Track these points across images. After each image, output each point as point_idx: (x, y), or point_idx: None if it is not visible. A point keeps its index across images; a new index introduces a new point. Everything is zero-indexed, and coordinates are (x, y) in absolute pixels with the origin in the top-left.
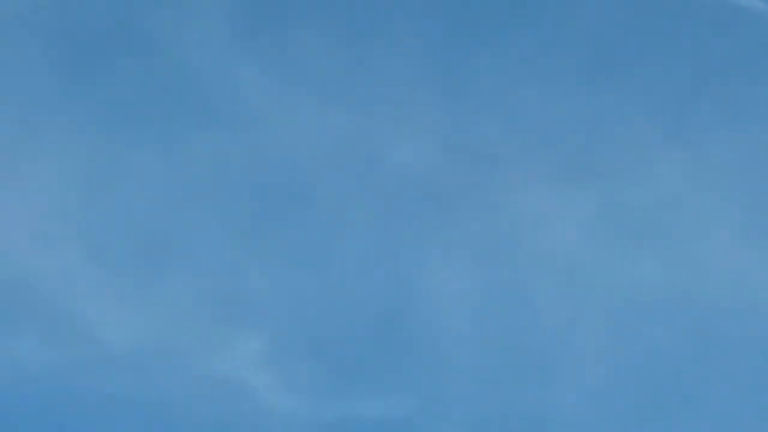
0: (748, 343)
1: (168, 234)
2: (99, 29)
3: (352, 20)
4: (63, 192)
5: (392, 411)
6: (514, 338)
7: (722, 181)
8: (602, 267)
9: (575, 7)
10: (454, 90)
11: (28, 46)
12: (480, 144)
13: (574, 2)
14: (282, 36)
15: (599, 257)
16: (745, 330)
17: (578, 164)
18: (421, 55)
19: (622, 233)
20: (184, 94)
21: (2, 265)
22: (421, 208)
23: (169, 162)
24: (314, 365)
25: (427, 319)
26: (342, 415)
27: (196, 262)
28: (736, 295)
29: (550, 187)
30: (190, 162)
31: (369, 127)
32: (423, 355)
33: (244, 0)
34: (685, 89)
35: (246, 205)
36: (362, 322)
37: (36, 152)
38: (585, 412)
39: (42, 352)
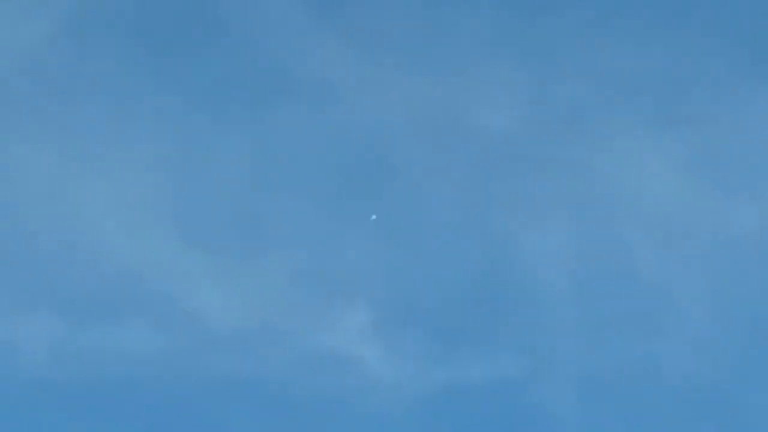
0: None
1: (261, 212)
2: (178, 18)
3: None
4: (155, 180)
5: (500, 373)
6: (616, 290)
7: None
8: (699, 214)
9: None
10: (535, 48)
11: (114, 41)
12: (566, 100)
13: None
14: (358, 7)
15: (695, 204)
16: None
17: (666, 112)
18: (501, 14)
19: (717, 178)
20: (264, 73)
21: (105, 256)
22: (510, 169)
23: (255, 141)
24: (418, 333)
25: (526, 278)
26: (450, 380)
27: (291, 239)
28: None
29: (639, 138)
30: (276, 140)
31: (452, 92)
32: (525, 314)
33: None
34: None
35: (334, 178)
36: (462, 286)
37: (126, 142)
38: (694, 360)
39: (150, 339)
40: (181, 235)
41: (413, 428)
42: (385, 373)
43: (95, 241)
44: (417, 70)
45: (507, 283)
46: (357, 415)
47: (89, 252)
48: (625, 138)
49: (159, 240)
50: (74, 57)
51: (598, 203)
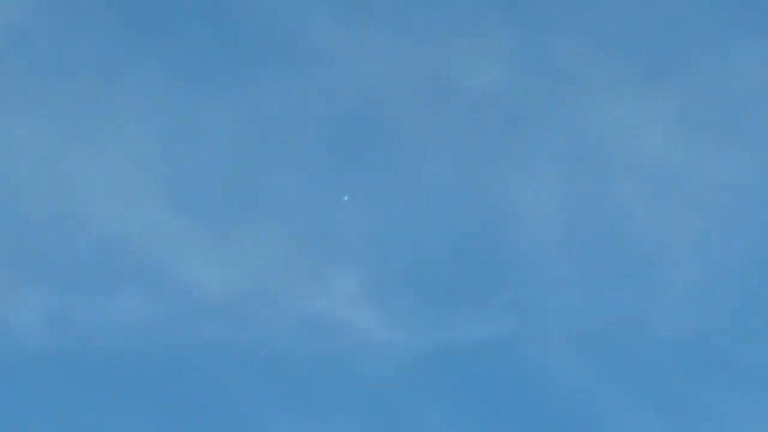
0: None
1: (251, 179)
2: None
3: None
4: (144, 148)
5: (493, 332)
6: (608, 247)
7: None
8: (690, 166)
9: None
10: (522, 8)
11: (98, 12)
12: (554, 57)
13: None
14: None
15: (686, 157)
16: None
17: (654, 68)
18: None
19: (706, 130)
20: (253, 38)
21: (96, 227)
22: (501, 129)
23: (244, 107)
24: (410, 295)
25: (518, 237)
26: (443, 342)
27: (282, 204)
28: None
29: (628, 94)
30: (265, 105)
31: (441, 54)
32: (517, 273)
33: None
34: None
35: (325, 143)
36: (454, 247)
37: (114, 113)
38: (687, 313)
39: (142, 308)
40: (172, 204)
41: (407, 389)
42: (379, 335)
43: (86, 213)
44: (405, 34)
45: (499, 243)
46: (351, 378)
47: (80, 223)
48: (614, 93)
49: (150, 209)
50: (59, 30)
51: (589, 159)
